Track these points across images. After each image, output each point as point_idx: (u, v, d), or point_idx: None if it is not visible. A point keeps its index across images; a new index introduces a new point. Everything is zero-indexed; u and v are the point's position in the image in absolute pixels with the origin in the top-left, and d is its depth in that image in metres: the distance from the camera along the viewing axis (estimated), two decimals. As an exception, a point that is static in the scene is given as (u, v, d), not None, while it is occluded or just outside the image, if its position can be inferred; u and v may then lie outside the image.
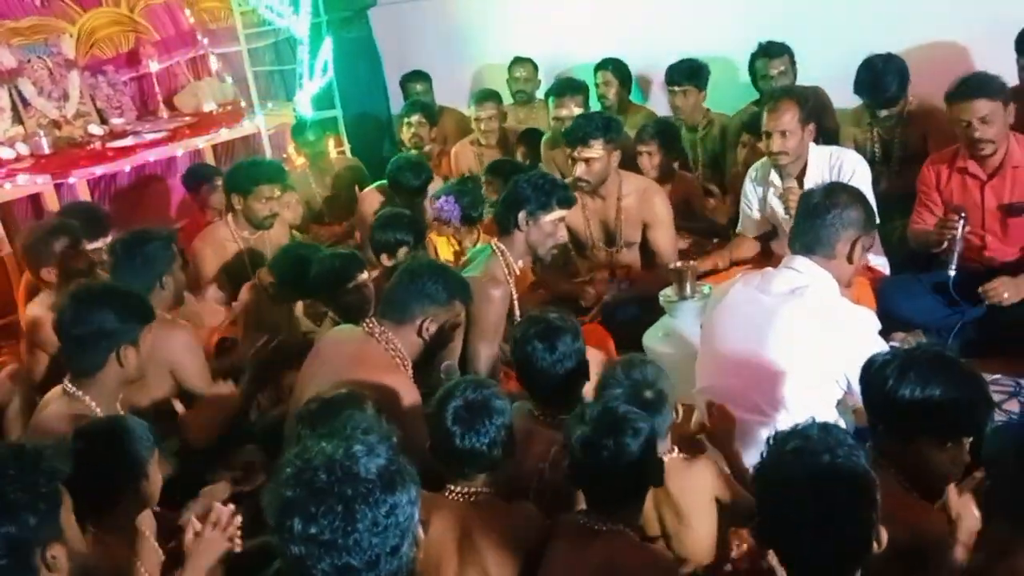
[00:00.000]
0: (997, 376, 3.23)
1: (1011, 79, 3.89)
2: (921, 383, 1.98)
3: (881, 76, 4.22)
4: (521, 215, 3.32)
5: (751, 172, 4.07)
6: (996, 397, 3.16)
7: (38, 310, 3.53)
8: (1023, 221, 3.53)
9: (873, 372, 2.07)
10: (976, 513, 1.86)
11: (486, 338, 3.17)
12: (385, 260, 3.77)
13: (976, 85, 3.42)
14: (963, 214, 3.37)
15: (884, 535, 1.69)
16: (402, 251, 3.75)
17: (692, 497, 2.30)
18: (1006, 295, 3.34)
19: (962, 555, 1.85)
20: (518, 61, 6.03)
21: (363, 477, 1.40)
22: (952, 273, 3.43)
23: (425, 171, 4.46)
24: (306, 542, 1.37)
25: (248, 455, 2.83)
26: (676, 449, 2.38)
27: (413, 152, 4.81)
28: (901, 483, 2.03)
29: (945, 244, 3.44)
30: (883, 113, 4.29)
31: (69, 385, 2.65)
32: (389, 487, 1.41)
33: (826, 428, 1.73)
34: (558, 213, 3.37)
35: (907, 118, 4.33)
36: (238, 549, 2.14)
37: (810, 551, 1.65)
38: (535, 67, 6.04)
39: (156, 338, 2.83)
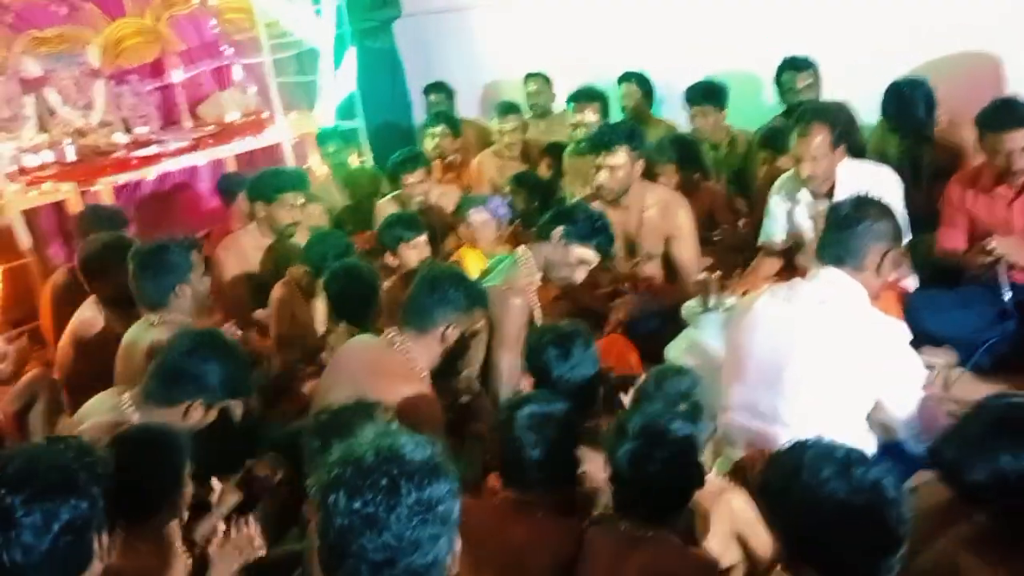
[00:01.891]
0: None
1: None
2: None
3: (909, 104, 4.19)
4: (558, 231, 3.28)
5: (776, 186, 4.02)
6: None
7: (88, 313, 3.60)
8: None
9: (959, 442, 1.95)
10: None
11: (508, 347, 3.14)
12: (389, 258, 3.81)
13: (1017, 115, 3.37)
14: (1003, 261, 3.32)
15: None
16: (403, 246, 3.82)
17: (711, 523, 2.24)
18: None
19: None
20: (530, 76, 6.10)
21: (408, 459, 1.43)
22: (1007, 296, 3.36)
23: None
24: (350, 515, 1.39)
25: (270, 461, 2.81)
26: (713, 469, 2.35)
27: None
28: None
29: (988, 272, 3.37)
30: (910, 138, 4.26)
31: None
32: (433, 473, 1.44)
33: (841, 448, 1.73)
34: (588, 253, 3.31)
35: (937, 136, 4.28)
36: (261, 552, 2.14)
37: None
38: (547, 80, 6.08)
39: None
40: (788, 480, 1.71)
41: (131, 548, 2.14)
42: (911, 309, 3.52)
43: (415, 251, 3.91)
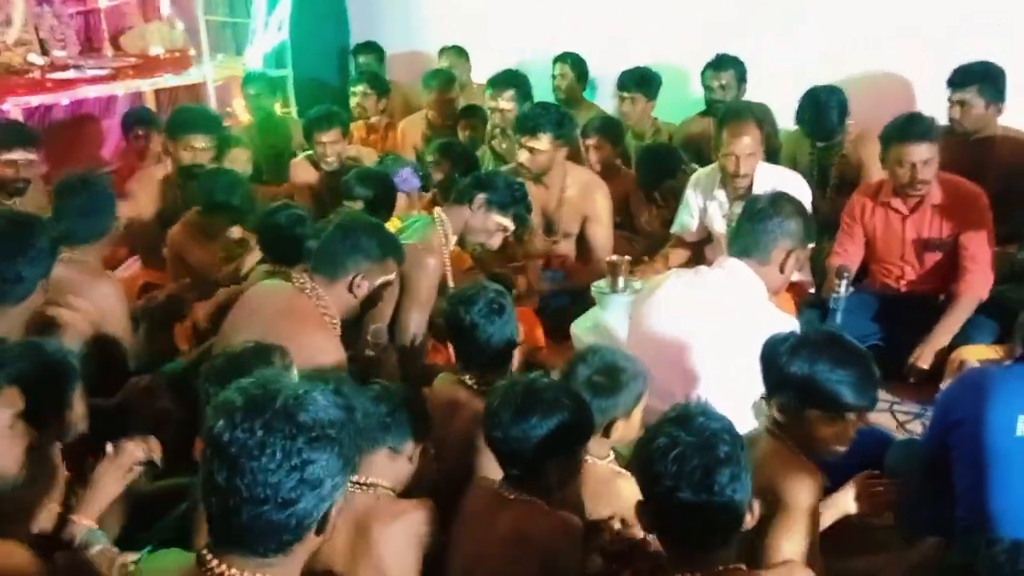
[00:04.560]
0: (900, 400, 3.36)
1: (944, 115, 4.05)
2: (810, 360, 2.08)
3: (824, 109, 4.34)
4: (480, 197, 3.32)
5: (694, 179, 4.14)
6: (900, 417, 3.31)
7: None
8: (937, 255, 3.68)
9: (769, 348, 2.18)
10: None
11: (418, 306, 3.18)
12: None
13: (921, 128, 3.51)
14: (847, 275, 3.42)
15: (757, 508, 1.76)
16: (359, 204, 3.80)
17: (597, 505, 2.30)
18: (925, 365, 3.42)
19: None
20: (444, 50, 6.06)
21: (298, 420, 1.38)
22: (839, 320, 3.39)
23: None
24: (215, 446, 1.37)
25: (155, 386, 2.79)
26: (612, 455, 2.39)
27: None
28: (791, 449, 2.13)
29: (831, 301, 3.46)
30: (822, 144, 4.44)
31: None
32: (315, 442, 1.38)
33: (697, 403, 1.80)
34: (507, 221, 3.37)
35: (846, 147, 4.47)
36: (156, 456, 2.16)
37: (683, 524, 1.70)
38: (460, 54, 6.03)
39: (89, 287, 2.83)
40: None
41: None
42: (805, 312, 3.68)
43: None
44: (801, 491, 2.04)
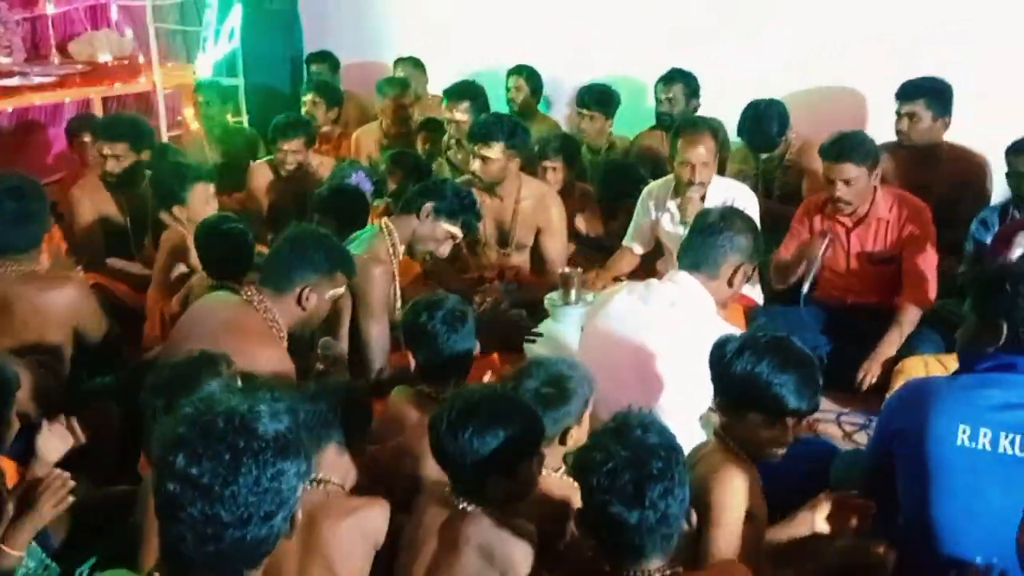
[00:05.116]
0: (847, 410, 3.40)
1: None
2: (754, 361, 2.11)
3: (762, 120, 4.44)
4: (427, 206, 3.32)
5: (649, 189, 4.17)
6: (847, 428, 3.35)
7: None
8: (882, 269, 3.75)
9: (716, 348, 2.21)
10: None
11: (374, 316, 3.16)
12: None
13: (849, 148, 3.58)
14: (829, 236, 3.50)
15: (695, 517, 1.79)
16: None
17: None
18: (873, 379, 3.47)
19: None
20: (400, 61, 6.02)
21: (260, 434, 1.38)
22: (806, 288, 3.60)
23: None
24: (183, 482, 1.35)
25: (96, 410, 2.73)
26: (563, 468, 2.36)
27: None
28: (734, 451, 2.16)
29: (804, 264, 3.56)
30: (763, 156, 4.52)
31: None
32: (282, 452, 1.40)
33: (640, 413, 1.82)
34: (455, 229, 3.38)
35: (788, 160, 4.56)
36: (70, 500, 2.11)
37: (616, 535, 1.71)
38: (416, 64, 6.01)
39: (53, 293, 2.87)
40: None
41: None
42: (754, 322, 3.73)
43: None
44: (727, 489, 2.07)
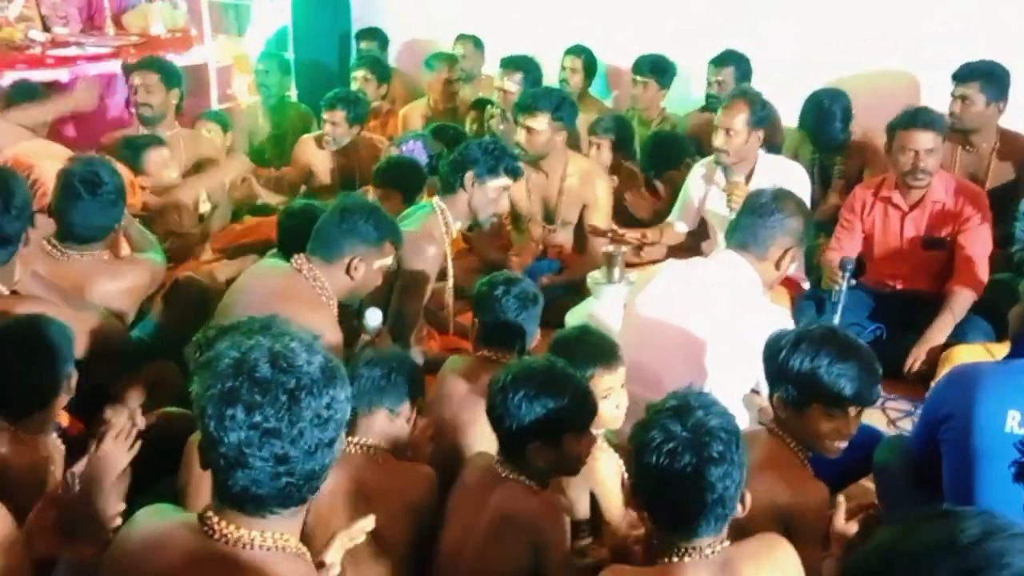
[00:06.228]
0: (893, 396, 3.37)
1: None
2: (811, 355, 2.09)
3: (827, 115, 4.39)
4: (468, 176, 3.31)
5: (697, 167, 4.14)
6: (892, 415, 3.32)
7: None
8: (935, 254, 3.69)
9: (770, 344, 2.20)
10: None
11: (414, 292, 3.18)
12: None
13: (928, 118, 3.55)
14: (849, 267, 3.43)
15: (749, 499, 1.76)
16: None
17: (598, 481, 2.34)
18: (920, 365, 3.45)
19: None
20: (461, 38, 5.98)
21: (305, 370, 1.42)
22: (836, 321, 3.36)
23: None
24: (250, 429, 1.39)
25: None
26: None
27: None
28: (791, 448, 2.15)
29: (833, 295, 3.48)
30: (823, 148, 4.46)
31: None
32: (330, 382, 1.45)
33: (700, 394, 1.80)
34: (504, 181, 3.37)
35: (849, 147, 4.48)
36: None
37: (672, 513, 1.71)
38: (477, 44, 5.98)
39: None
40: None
41: (17, 441, 2.13)
42: (799, 308, 3.69)
43: None
44: (808, 510, 2.06)
